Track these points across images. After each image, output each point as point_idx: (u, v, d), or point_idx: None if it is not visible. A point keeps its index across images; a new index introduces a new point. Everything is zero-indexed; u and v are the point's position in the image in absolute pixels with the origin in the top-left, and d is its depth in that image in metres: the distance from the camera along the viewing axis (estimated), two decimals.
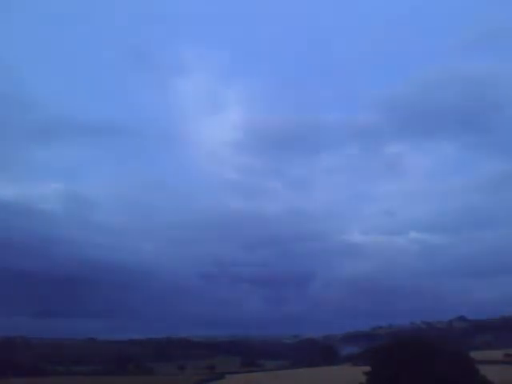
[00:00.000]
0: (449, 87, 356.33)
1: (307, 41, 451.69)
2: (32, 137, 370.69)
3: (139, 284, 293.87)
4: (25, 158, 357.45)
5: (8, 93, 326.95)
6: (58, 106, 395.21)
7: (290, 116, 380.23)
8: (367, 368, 37.72)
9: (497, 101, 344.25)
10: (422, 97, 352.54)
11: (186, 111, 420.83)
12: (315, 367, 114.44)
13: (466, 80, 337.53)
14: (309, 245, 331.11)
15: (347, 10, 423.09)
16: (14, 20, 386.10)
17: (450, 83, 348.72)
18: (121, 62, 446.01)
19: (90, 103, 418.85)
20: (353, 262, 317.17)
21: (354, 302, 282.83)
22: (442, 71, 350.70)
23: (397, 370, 33.85)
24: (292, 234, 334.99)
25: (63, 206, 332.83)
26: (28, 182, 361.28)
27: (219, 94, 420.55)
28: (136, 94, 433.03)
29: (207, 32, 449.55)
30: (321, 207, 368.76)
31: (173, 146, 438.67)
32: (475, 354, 41.17)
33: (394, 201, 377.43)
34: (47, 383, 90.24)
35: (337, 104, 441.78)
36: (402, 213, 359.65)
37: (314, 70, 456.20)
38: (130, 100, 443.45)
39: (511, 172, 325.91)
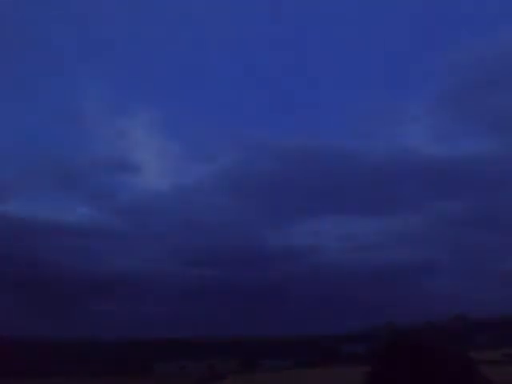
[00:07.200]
0: None
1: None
2: None
3: (138, 285, 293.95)
4: None
5: None
6: None
7: None
8: (367, 368, 37.61)
9: None
10: None
11: None
12: (315, 368, 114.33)
13: None
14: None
15: None
16: None
17: None
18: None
19: None
20: (351, 262, 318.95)
21: (354, 301, 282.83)
22: None
23: (397, 371, 33.79)
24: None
25: None
26: None
27: None
28: None
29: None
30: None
31: None
32: (475, 354, 41.07)
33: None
34: None
35: None
36: None
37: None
38: None
39: None
